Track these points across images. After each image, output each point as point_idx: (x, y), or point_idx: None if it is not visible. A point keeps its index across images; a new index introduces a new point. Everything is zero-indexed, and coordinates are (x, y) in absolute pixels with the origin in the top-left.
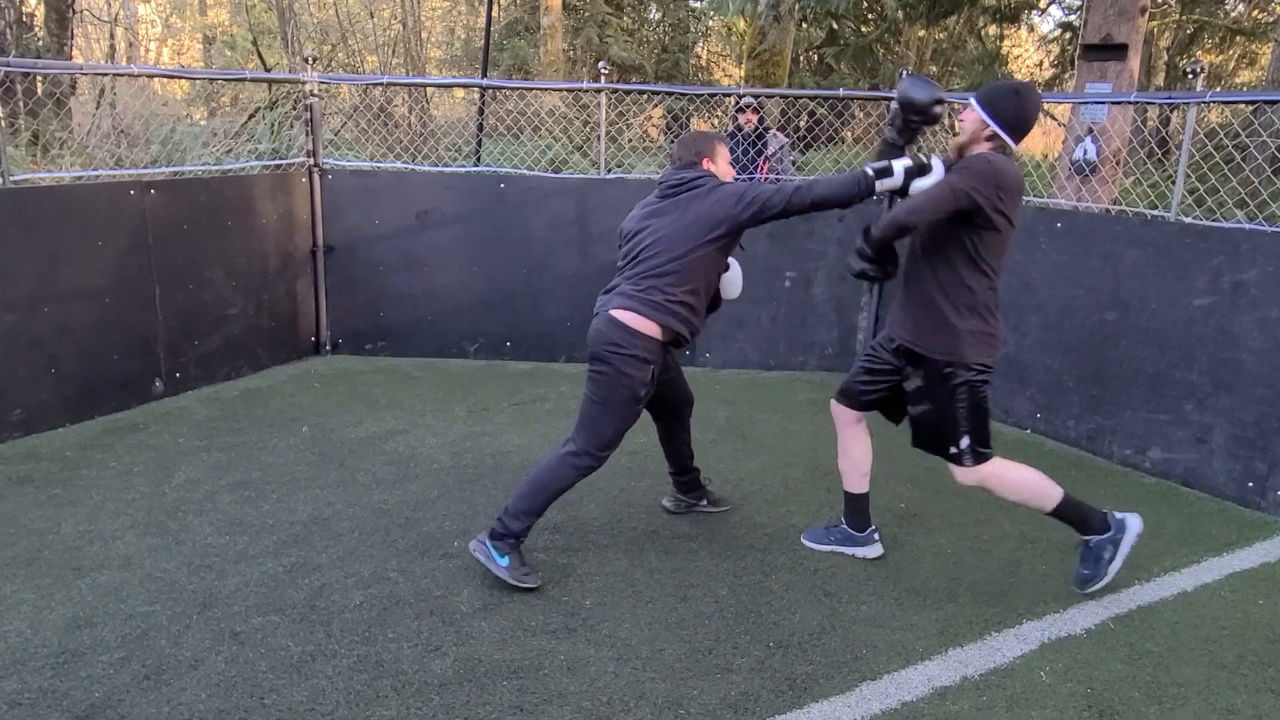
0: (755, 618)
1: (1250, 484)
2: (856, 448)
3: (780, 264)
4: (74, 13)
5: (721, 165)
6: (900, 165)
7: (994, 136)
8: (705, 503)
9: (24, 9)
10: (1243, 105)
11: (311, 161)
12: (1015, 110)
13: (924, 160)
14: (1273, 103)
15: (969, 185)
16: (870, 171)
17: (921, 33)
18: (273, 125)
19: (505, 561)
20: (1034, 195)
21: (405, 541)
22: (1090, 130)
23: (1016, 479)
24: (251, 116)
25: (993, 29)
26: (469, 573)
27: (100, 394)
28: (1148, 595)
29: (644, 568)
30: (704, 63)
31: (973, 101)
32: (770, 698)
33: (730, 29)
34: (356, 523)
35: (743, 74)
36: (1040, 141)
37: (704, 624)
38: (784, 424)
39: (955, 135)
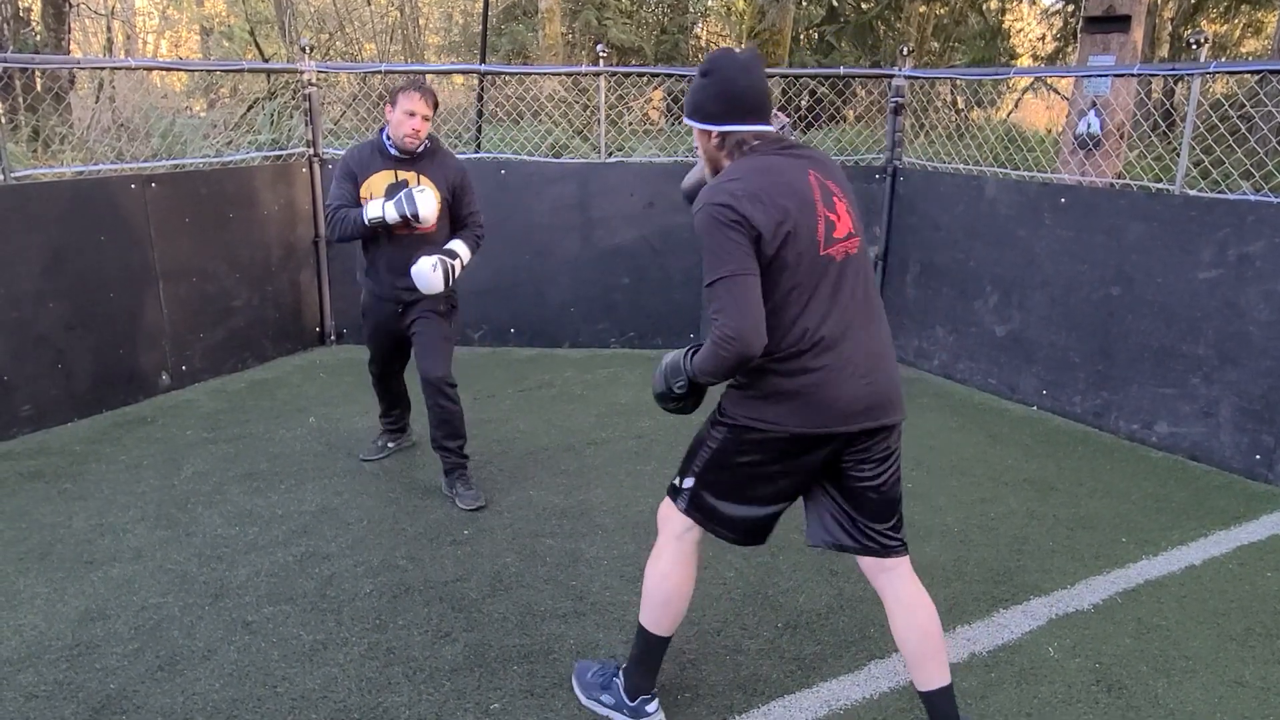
0: (763, 599)
1: (1258, 456)
2: (917, 614)
3: None
4: (70, 6)
5: None
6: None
7: (723, 139)
8: (454, 492)
9: (20, 4)
10: (1248, 75)
11: (311, 151)
12: (713, 91)
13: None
14: (1278, 72)
15: (708, 266)
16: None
17: (922, 8)
18: (272, 116)
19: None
20: (1037, 170)
21: (414, 529)
22: (1094, 104)
23: (663, 572)
24: (251, 108)
25: (994, 3)
26: (477, 559)
27: (107, 388)
28: (1155, 569)
29: (651, 550)
30: (704, 43)
31: (686, 120)
32: (779, 678)
33: (729, 8)
34: (365, 511)
35: None
36: (1044, 116)
37: (712, 606)
38: None
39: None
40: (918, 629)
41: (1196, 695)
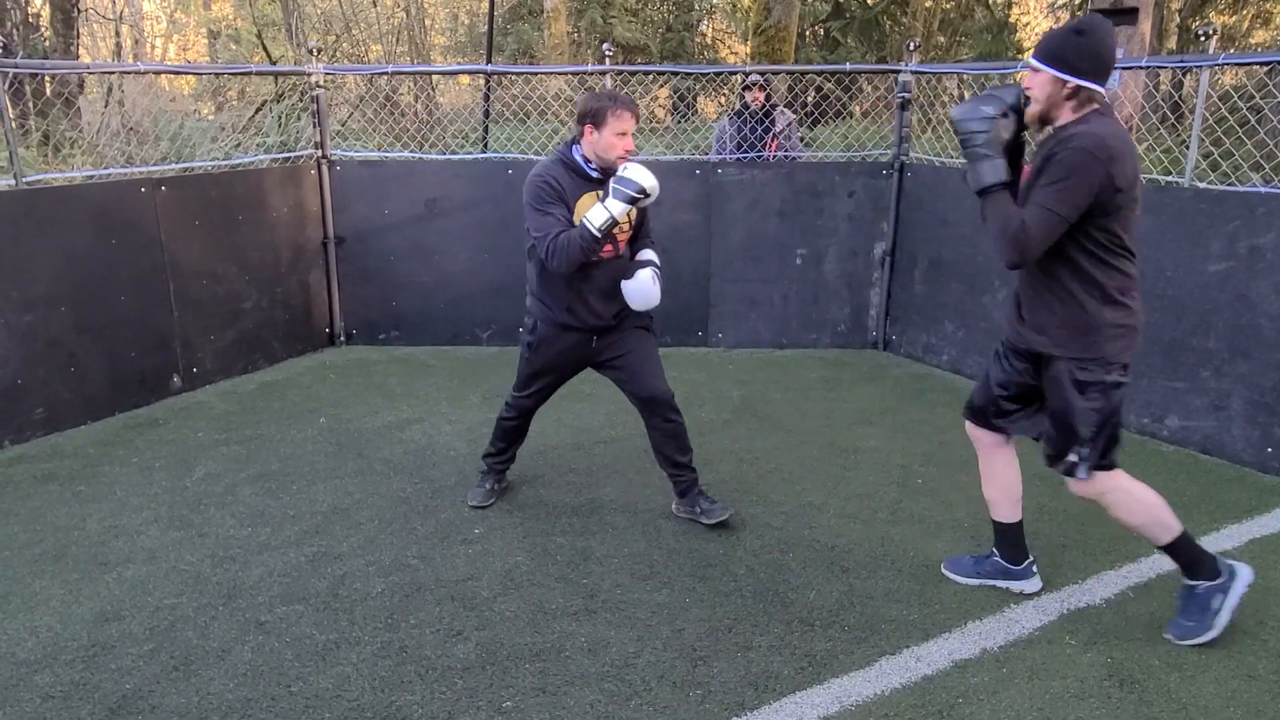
0: (774, 595)
1: (1269, 449)
2: (1008, 472)
3: (791, 242)
4: (79, 12)
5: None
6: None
7: (1076, 92)
8: (698, 510)
9: (29, 9)
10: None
11: (319, 153)
12: (1088, 49)
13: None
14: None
15: (1077, 195)
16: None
17: (928, 3)
18: (280, 118)
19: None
20: None
21: (425, 529)
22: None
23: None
24: (259, 110)
25: None
26: (488, 557)
27: (119, 391)
28: (1167, 563)
29: (662, 549)
30: (709, 41)
31: (1034, 61)
32: (791, 674)
33: (735, 5)
34: (376, 511)
35: (748, 51)
36: None
37: (723, 603)
38: (798, 402)
39: (1028, 107)
40: (1014, 480)
41: (1209, 689)
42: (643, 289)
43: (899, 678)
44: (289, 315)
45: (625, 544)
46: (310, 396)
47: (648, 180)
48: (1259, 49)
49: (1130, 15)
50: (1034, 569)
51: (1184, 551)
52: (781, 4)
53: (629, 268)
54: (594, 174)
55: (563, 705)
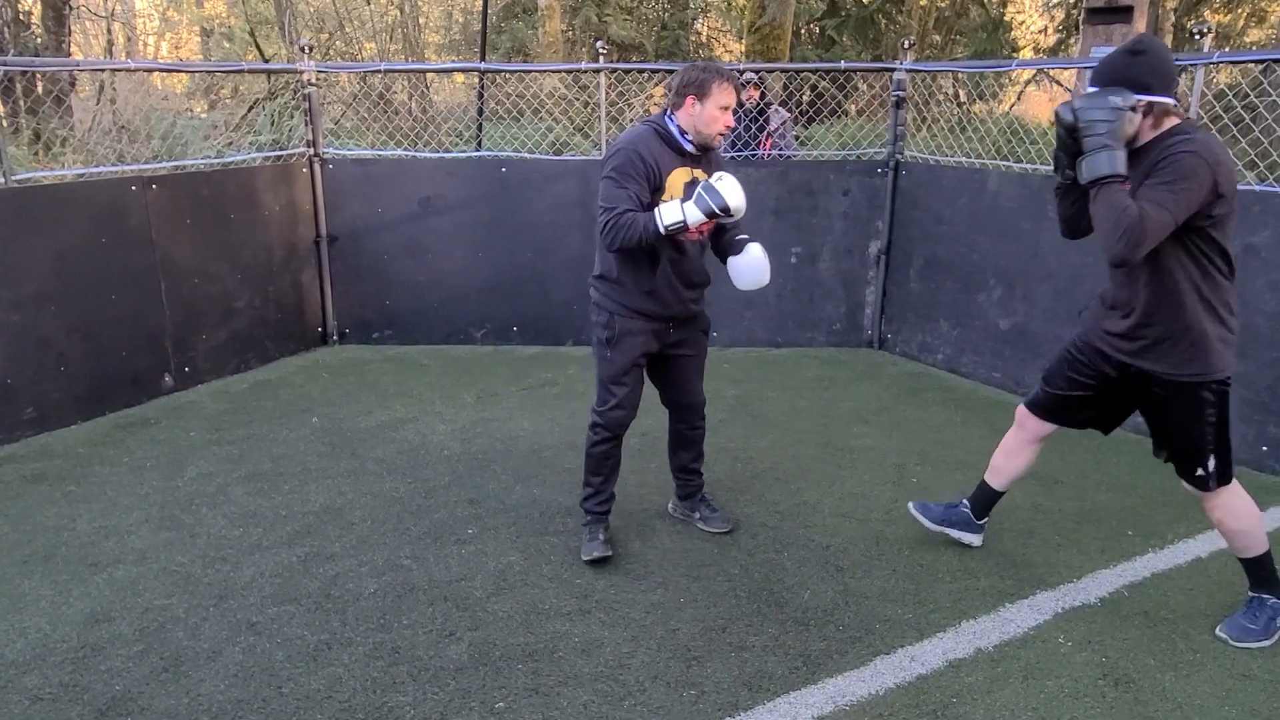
0: (768, 595)
1: (1264, 448)
2: (1025, 459)
3: (786, 240)
4: (70, 9)
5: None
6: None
7: (1150, 108)
8: (697, 516)
9: (20, 7)
10: (1251, 65)
11: (312, 151)
12: (1151, 65)
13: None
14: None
15: (1190, 198)
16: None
17: (923, 1)
18: (272, 116)
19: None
20: (1040, 163)
21: (418, 529)
22: None
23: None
24: (251, 108)
25: None
26: (482, 558)
27: (110, 390)
28: (1162, 562)
29: (656, 548)
30: (704, 39)
31: (1093, 90)
32: (785, 674)
33: (730, 3)
34: (369, 511)
35: (743, 49)
36: (1047, 109)
37: (717, 603)
38: (794, 401)
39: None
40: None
41: (1204, 689)
42: (754, 266)
43: (893, 677)
44: (281, 314)
45: (619, 544)
46: (303, 396)
47: (735, 199)
48: (1253, 47)
49: (1125, 14)
50: (983, 526)
51: (1266, 568)
52: (776, 2)
53: (735, 244)
54: (689, 148)
55: (556, 706)
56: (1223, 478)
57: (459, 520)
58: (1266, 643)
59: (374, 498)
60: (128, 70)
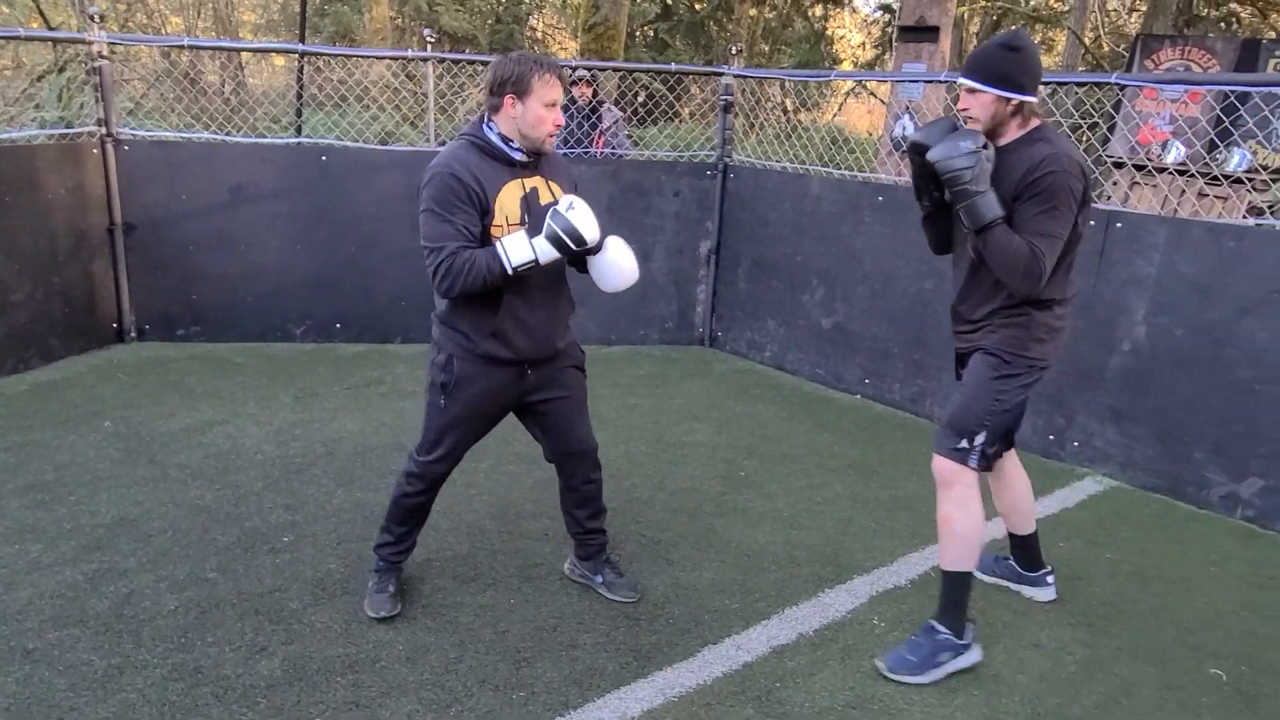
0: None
1: (1051, 437)
2: (1010, 486)
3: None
4: None
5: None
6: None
7: (1020, 108)
8: (600, 580)
9: None
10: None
11: (104, 130)
12: (1026, 65)
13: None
14: (1064, 84)
15: (1068, 215)
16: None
17: (752, 11)
18: (60, 91)
19: None
20: (858, 170)
21: (226, 539)
22: (908, 108)
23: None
24: (38, 79)
25: (818, 9)
26: (298, 566)
27: None
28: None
29: (486, 550)
30: (539, 35)
31: (972, 82)
32: (615, 670)
33: (565, 1)
34: (169, 522)
35: (579, 47)
36: (865, 120)
37: (548, 602)
38: (625, 398)
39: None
40: (1025, 493)
41: (999, 659)
42: (618, 263)
43: (720, 666)
44: (69, 308)
45: (446, 547)
46: (93, 398)
47: (591, 232)
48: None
49: (932, 33)
50: (1050, 578)
51: (960, 595)
52: (610, 2)
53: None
54: (518, 156)
55: (377, 718)
56: (980, 461)
57: (273, 528)
58: (923, 680)
59: (175, 507)
60: None
